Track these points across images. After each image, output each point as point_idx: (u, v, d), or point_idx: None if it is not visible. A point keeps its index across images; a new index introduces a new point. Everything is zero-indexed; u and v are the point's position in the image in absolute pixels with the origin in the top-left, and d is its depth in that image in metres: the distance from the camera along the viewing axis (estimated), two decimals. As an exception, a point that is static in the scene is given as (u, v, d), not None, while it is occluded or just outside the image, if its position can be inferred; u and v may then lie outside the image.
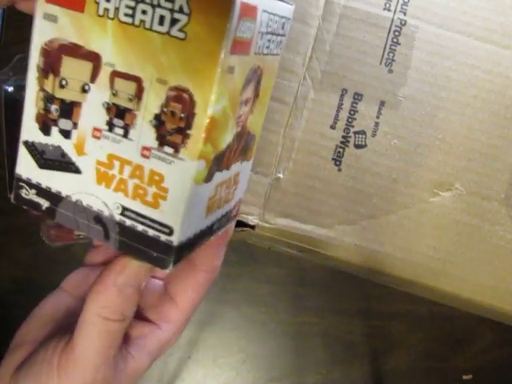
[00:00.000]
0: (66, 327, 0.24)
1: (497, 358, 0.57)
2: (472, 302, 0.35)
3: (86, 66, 0.20)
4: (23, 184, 0.22)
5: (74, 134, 0.21)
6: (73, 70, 0.20)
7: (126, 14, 0.19)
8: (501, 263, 0.34)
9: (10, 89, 0.49)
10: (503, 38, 0.35)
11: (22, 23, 0.46)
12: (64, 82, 0.20)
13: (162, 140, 0.19)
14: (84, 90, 0.20)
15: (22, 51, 0.49)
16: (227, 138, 0.21)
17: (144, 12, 0.19)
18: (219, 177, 0.22)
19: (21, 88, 0.49)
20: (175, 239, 0.20)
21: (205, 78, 0.18)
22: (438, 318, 0.57)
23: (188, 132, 0.19)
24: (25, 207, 0.22)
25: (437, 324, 0.57)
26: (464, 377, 0.57)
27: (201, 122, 0.19)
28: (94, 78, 0.20)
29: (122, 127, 0.20)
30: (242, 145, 0.23)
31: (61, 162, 0.21)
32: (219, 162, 0.21)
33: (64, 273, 0.28)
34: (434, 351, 0.57)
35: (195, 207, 0.21)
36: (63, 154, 0.21)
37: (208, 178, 0.21)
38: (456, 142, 0.35)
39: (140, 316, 0.26)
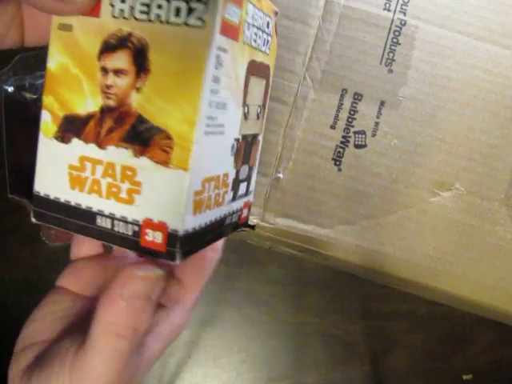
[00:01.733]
0: (76, 326, 0.24)
1: (497, 358, 0.57)
2: (472, 302, 0.35)
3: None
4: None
5: None
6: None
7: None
8: (501, 263, 0.34)
9: (10, 89, 0.49)
10: (503, 38, 0.35)
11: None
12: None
13: None
14: None
15: (22, 51, 0.48)
16: (84, 104, 0.21)
17: None
18: (83, 149, 0.21)
19: (21, 88, 0.49)
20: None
21: None
22: (438, 318, 0.57)
23: None
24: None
25: (437, 324, 0.57)
26: (464, 377, 0.57)
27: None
28: None
29: None
30: (130, 129, 0.20)
31: None
32: (76, 127, 0.21)
33: (64, 273, 0.27)
34: (434, 351, 0.57)
35: (47, 163, 0.21)
36: None
37: (60, 137, 0.21)
38: (456, 141, 0.35)
39: None
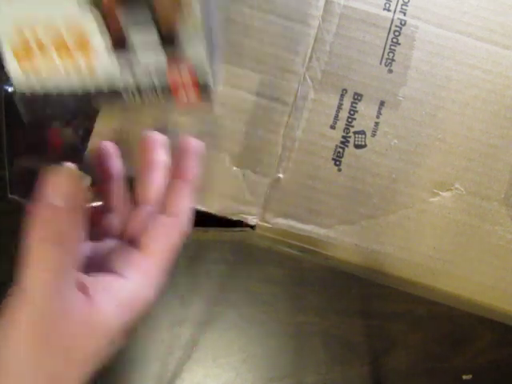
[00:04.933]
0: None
1: (497, 358, 0.57)
2: (472, 302, 0.35)
3: None
4: None
5: None
6: None
7: None
8: (500, 263, 0.34)
9: (10, 89, 0.49)
10: (503, 38, 0.35)
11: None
12: None
13: None
14: None
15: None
16: None
17: None
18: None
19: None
20: None
21: None
22: (437, 318, 0.57)
23: None
24: None
25: (437, 324, 0.57)
26: (464, 377, 0.57)
27: None
28: None
29: None
30: None
31: None
32: None
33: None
34: (434, 351, 0.57)
35: None
36: None
37: None
38: (456, 142, 0.35)
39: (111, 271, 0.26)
